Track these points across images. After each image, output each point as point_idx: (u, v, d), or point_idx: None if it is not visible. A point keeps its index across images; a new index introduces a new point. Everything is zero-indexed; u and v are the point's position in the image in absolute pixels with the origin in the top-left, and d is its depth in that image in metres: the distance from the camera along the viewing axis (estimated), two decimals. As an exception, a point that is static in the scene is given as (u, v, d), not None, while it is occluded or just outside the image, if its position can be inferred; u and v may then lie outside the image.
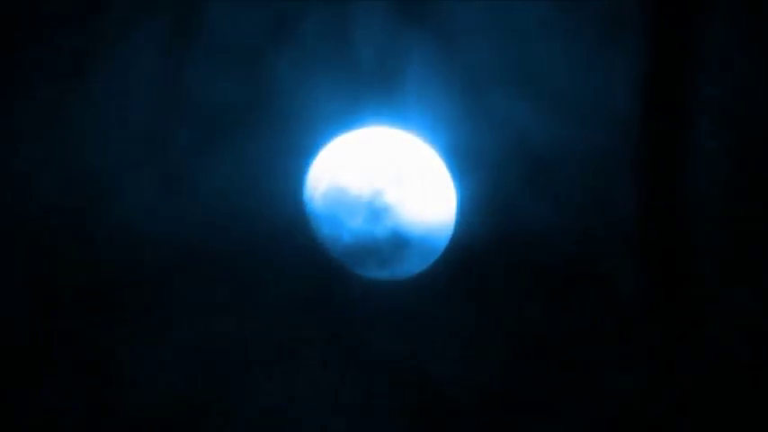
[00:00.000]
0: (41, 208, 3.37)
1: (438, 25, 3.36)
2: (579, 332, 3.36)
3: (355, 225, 3.26)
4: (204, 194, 3.38)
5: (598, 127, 3.37)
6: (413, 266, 3.34)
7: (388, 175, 3.27)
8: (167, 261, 3.36)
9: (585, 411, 3.35)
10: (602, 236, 3.38)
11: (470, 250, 3.35)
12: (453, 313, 3.39)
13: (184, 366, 3.36)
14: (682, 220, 3.36)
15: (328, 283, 3.35)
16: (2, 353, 3.34)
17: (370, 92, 3.34)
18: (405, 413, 3.38)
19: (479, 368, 3.37)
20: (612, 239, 3.38)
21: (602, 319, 3.36)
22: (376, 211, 3.25)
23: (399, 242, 3.27)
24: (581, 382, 3.36)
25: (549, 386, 3.36)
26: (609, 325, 3.36)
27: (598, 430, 3.35)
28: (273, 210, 3.34)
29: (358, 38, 3.35)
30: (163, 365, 3.35)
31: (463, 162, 3.34)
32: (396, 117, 3.33)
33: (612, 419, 3.35)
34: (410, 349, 3.39)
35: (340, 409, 3.38)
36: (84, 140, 3.39)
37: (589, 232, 3.38)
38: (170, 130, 3.39)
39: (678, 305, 3.36)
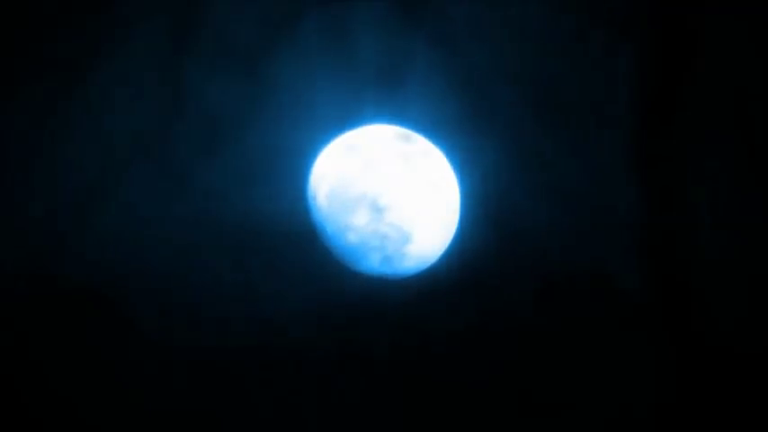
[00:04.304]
0: (41, 207, 3.37)
1: (439, 24, 3.37)
2: (579, 332, 3.37)
3: (358, 223, 3.27)
4: (205, 194, 3.38)
5: (599, 127, 3.38)
6: (414, 265, 3.34)
7: (389, 174, 3.28)
8: (168, 260, 3.36)
9: (585, 411, 3.35)
10: (602, 236, 3.39)
11: (471, 249, 3.36)
12: (453, 313, 3.39)
13: (184, 366, 3.36)
14: (682, 220, 3.37)
15: (330, 282, 3.36)
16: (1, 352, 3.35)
17: (372, 90, 3.34)
18: (405, 412, 3.39)
19: (480, 367, 3.38)
20: (613, 240, 3.39)
21: (603, 319, 3.37)
22: (378, 209, 3.26)
23: (401, 240, 3.28)
24: (581, 382, 3.36)
25: (550, 386, 3.37)
26: (609, 325, 3.37)
27: (598, 430, 3.35)
28: (275, 209, 3.34)
29: (358, 37, 3.36)
30: (164, 365, 3.35)
31: (464, 160, 3.34)
32: (397, 115, 3.34)
33: (613, 419, 3.35)
34: (410, 348, 3.39)
35: (340, 408, 3.38)
36: (84, 140, 3.39)
37: (589, 232, 3.39)
38: (170, 130, 3.39)
39: (678, 305, 3.37)
